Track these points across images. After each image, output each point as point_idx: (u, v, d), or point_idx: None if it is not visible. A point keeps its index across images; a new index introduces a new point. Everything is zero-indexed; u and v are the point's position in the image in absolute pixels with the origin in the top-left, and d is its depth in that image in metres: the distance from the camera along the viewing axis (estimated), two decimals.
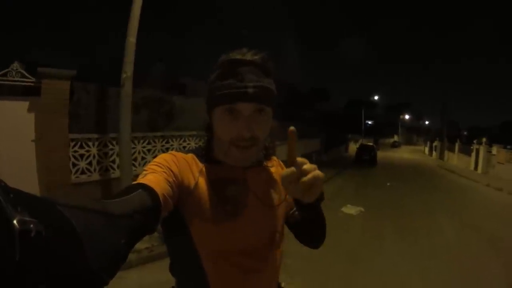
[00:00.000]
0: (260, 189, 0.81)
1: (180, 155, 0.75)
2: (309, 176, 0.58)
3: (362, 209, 6.84)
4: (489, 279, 3.59)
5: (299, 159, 0.59)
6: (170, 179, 0.66)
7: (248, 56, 0.71)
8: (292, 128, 0.60)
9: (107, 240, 0.38)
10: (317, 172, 0.59)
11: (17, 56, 4.15)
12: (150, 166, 0.68)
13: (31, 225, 0.25)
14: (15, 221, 0.24)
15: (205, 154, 0.79)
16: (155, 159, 0.71)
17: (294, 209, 0.88)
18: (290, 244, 0.86)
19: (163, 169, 0.67)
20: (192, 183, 0.72)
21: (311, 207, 0.70)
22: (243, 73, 0.70)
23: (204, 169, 0.76)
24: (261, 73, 0.72)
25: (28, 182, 3.99)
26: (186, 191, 0.70)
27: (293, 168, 0.58)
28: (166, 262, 0.79)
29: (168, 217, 0.64)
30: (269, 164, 0.88)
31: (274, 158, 0.92)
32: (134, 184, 0.58)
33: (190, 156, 0.77)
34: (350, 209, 6.78)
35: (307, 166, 0.59)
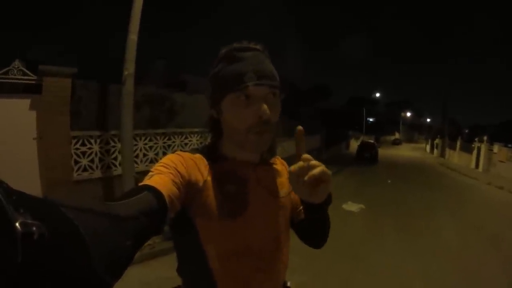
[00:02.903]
0: (268, 186, 0.81)
1: (187, 155, 0.74)
2: (317, 169, 0.58)
3: (363, 206, 6.84)
4: (490, 278, 3.59)
5: (305, 155, 0.60)
6: (177, 180, 0.65)
7: (251, 45, 0.74)
8: (300, 127, 0.62)
9: (112, 242, 0.38)
10: (324, 168, 0.60)
11: (18, 54, 4.15)
12: (156, 167, 0.67)
13: (34, 227, 0.25)
14: (17, 224, 0.24)
15: (213, 153, 0.79)
16: (162, 160, 0.71)
17: (300, 208, 0.89)
18: (290, 241, 0.87)
19: (170, 170, 0.66)
20: (200, 182, 0.71)
21: (319, 209, 0.71)
22: (251, 57, 0.71)
23: (212, 168, 0.75)
24: (265, 57, 0.74)
25: (30, 180, 4.01)
26: (194, 191, 0.69)
27: (301, 162, 0.59)
28: (168, 258, 0.80)
29: (175, 218, 0.63)
30: (274, 162, 0.89)
31: (277, 157, 0.92)
32: (139, 185, 0.58)
33: (198, 155, 0.76)
34: (351, 206, 6.78)
35: (315, 161, 0.60)
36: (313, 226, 0.82)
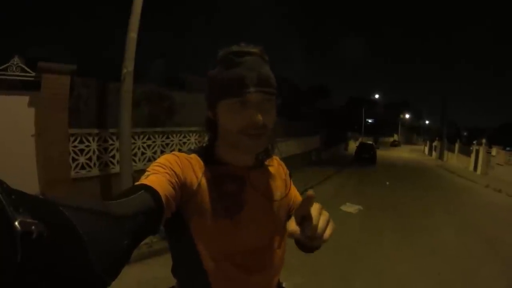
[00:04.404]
0: (263, 188, 0.81)
1: (183, 155, 0.74)
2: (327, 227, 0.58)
3: (361, 207, 6.86)
4: (488, 278, 3.62)
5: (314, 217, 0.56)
6: (173, 180, 0.65)
7: (249, 48, 0.72)
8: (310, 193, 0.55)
9: (110, 241, 0.38)
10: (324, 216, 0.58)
11: (18, 51, 4.13)
12: (152, 167, 0.67)
13: (33, 227, 0.25)
14: (16, 223, 0.24)
15: (208, 155, 0.78)
16: (158, 160, 0.71)
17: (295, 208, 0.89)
18: (287, 241, 0.87)
19: (166, 170, 0.66)
20: (195, 183, 0.71)
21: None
22: (249, 62, 0.70)
23: (207, 169, 0.75)
24: (263, 62, 0.73)
25: (28, 177, 3.99)
26: (188, 191, 0.69)
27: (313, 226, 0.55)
28: (165, 258, 0.79)
29: (170, 218, 0.63)
30: (270, 163, 0.88)
31: (275, 157, 0.92)
32: (136, 185, 0.58)
33: (194, 156, 0.76)
34: (349, 208, 6.80)
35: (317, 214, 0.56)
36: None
